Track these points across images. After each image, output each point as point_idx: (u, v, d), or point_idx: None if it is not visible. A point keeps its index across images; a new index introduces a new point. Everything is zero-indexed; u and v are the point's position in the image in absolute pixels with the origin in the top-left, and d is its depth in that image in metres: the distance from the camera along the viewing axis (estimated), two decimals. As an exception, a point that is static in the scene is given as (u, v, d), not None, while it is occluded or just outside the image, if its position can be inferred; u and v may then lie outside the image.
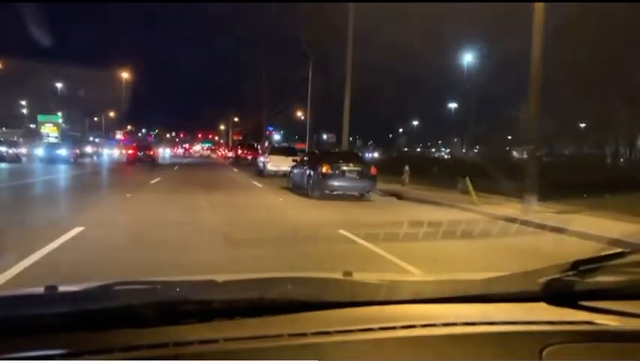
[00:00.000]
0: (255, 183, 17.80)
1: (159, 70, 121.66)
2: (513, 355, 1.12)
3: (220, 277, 1.38)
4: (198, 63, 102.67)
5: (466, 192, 12.32)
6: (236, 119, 62.47)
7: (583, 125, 33.81)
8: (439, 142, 65.17)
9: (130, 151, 35.61)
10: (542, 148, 21.23)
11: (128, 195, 11.74)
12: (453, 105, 48.16)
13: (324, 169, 12.42)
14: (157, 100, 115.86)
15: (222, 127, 78.22)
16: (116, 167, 29.69)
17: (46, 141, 38.30)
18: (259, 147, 37.94)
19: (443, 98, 48.52)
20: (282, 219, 9.11)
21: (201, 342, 1.05)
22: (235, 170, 28.06)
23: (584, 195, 11.02)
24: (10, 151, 28.72)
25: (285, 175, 17.27)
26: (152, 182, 16.16)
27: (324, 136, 46.14)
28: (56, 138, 42.67)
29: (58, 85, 52.67)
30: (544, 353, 1.10)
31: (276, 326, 1.13)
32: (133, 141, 57.43)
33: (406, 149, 56.39)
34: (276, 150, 22.79)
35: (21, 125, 52.20)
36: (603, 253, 1.41)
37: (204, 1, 53.24)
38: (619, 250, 1.44)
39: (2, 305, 1.15)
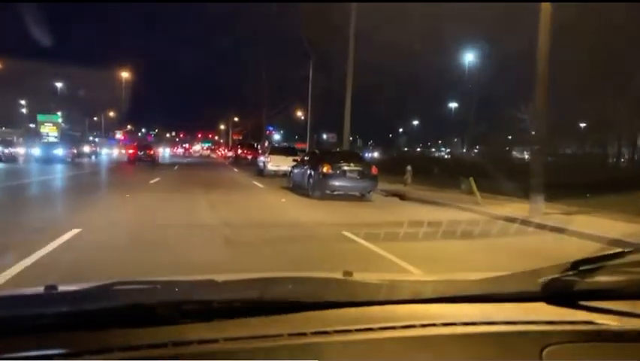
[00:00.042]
0: (256, 182, 17.79)
1: (159, 70, 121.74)
2: (513, 355, 1.12)
3: (220, 277, 1.38)
4: (198, 63, 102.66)
5: (470, 192, 12.26)
6: (236, 119, 62.54)
7: (584, 125, 33.84)
8: (439, 142, 65.20)
9: (131, 151, 35.87)
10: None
11: (127, 195, 11.67)
12: (453, 105, 48.16)
13: (324, 169, 12.39)
14: (157, 100, 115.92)
15: (222, 127, 78.29)
16: (115, 167, 29.61)
17: (46, 140, 38.07)
18: (259, 146, 37.96)
19: (443, 98, 48.55)
20: (283, 219, 9.10)
21: (201, 342, 1.05)
22: (235, 170, 28.06)
23: (587, 196, 10.94)
24: (7, 151, 28.54)
25: (286, 175, 17.27)
26: (152, 182, 16.14)
27: (324, 136, 46.18)
28: (56, 137, 42.59)
29: (58, 85, 52.69)
30: (544, 353, 1.10)
31: (276, 326, 1.13)
32: (133, 140, 57.50)
33: (405, 149, 56.34)
34: (276, 150, 22.79)
35: (20, 125, 52.17)
36: (603, 253, 1.41)
37: (204, 1, 53.20)
38: None
39: (2, 305, 1.15)
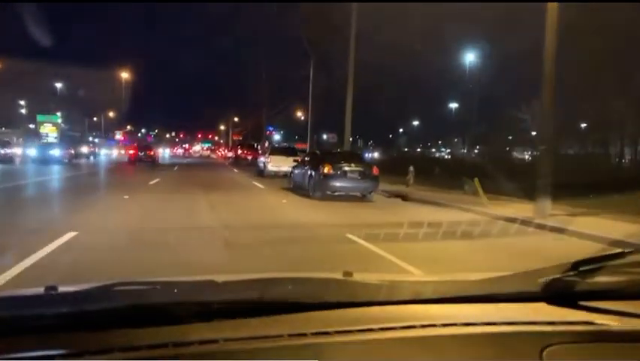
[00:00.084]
0: (256, 183, 17.78)
1: (159, 70, 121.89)
2: (513, 355, 1.12)
3: (220, 278, 1.39)
4: (198, 63, 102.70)
5: (475, 193, 12.18)
6: (236, 119, 62.52)
7: (584, 125, 33.81)
8: (439, 142, 65.19)
9: (131, 151, 35.99)
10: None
11: (125, 196, 11.51)
12: (454, 105, 48.16)
13: (325, 169, 12.37)
14: (157, 100, 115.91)
15: (222, 127, 78.27)
16: (114, 167, 29.47)
17: (45, 140, 37.95)
18: (259, 147, 37.94)
19: (443, 98, 48.55)
20: (283, 220, 9.10)
21: (201, 342, 1.05)
22: (235, 170, 28.04)
23: (590, 196, 10.83)
24: (3, 152, 28.39)
25: (286, 176, 17.27)
26: (151, 183, 16.10)
27: (325, 136, 46.16)
28: (55, 138, 42.53)
29: (58, 85, 52.64)
30: (544, 353, 1.10)
31: (276, 327, 1.14)
32: (132, 141, 57.58)
33: (406, 149, 56.34)
34: (276, 150, 22.76)
35: (20, 126, 52.17)
36: (603, 253, 1.41)
37: (204, 1, 53.24)
38: None
39: (2, 306, 1.16)
